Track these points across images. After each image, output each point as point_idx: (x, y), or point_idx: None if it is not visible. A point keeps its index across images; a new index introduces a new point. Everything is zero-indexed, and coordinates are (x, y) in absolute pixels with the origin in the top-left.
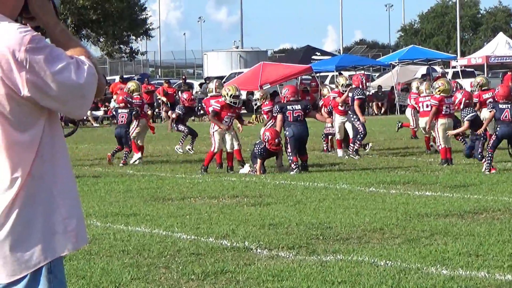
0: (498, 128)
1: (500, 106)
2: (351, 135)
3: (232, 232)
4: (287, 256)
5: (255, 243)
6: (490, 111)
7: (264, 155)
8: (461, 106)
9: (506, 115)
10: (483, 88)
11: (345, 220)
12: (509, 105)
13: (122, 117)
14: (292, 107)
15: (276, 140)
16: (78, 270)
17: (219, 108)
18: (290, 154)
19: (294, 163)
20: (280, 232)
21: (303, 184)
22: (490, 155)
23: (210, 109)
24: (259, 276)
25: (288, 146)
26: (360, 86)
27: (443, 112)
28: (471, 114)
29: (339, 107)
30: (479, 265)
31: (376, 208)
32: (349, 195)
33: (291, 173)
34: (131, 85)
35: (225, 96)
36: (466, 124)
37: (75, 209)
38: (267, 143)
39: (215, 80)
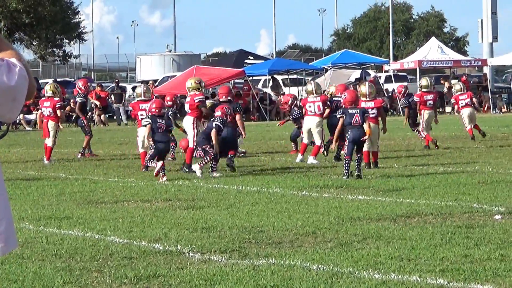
0: (349, 133)
1: (350, 111)
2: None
3: (164, 235)
4: (220, 260)
5: (188, 246)
6: (340, 117)
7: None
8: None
9: (356, 120)
10: (423, 90)
11: (277, 223)
12: (357, 110)
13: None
14: None
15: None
16: (10, 274)
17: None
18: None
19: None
20: (213, 236)
21: (235, 188)
22: (347, 161)
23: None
24: (191, 280)
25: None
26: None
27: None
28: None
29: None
30: (411, 269)
31: (309, 212)
32: (282, 199)
33: (215, 175)
34: (48, 88)
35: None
36: None
37: (5, 212)
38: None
39: (143, 85)
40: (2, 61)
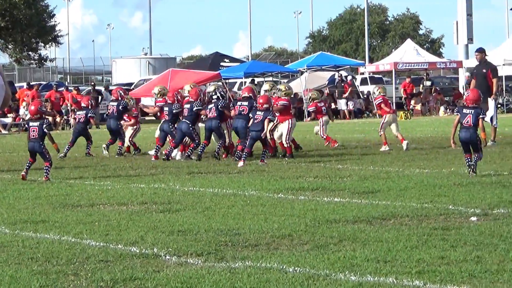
0: (459, 132)
1: (464, 111)
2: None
3: (141, 238)
4: (196, 263)
5: (164, 249)
6: (456, 115)
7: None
8: None
9: (467, 120)
10: (315, 101)
11: (254, 226)
12: (472, 111)
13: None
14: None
15: None
16: None
17: None
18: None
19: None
20: (189, 239)
21: (211, 191)
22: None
23: None
24: (168, 283)
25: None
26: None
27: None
28: None
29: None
30: (387, 271)
31: (285, 215)
32: (258, 202)
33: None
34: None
35: None
36: None
37: None
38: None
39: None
40: None
